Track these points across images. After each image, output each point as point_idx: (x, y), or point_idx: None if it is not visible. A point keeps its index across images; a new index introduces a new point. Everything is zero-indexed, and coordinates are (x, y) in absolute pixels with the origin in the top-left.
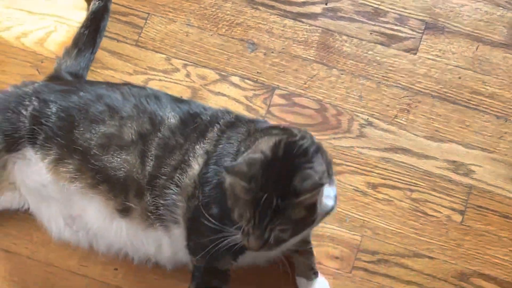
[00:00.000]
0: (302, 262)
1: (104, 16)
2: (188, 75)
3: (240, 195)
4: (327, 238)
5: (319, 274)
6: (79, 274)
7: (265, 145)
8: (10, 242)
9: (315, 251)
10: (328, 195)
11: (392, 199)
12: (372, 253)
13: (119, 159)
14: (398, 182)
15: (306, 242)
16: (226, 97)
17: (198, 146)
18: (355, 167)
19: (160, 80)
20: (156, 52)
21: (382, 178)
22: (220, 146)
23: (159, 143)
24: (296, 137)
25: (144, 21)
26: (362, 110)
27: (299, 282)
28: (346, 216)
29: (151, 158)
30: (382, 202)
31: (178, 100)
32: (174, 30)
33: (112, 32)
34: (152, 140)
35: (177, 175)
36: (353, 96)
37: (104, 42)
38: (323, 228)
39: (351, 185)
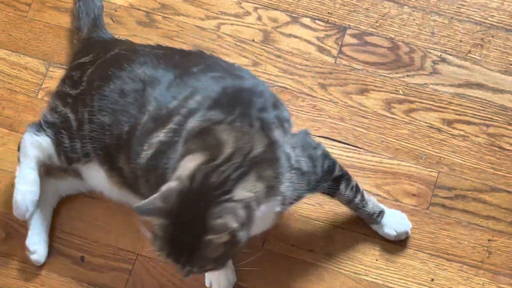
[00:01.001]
0: (359, 216)
1: None
2: (259, 18)
3: (155, 230)
4: (403, 175)
5: (386, 209)
6: None
7: (183, 170)
8: None
9: (391, 188)
10: (274, 208)
11: (467, 134)
12: (449, 189)
13: None
14: (474, 117)
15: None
16: (298, 39)
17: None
18: (429, 104)
19: (232, 24)
20: None
21: (457, 114)
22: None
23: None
24: (218, 160)
25: None
26: (435, 46)
27: (373, 229)
28: (422, 154)
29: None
30: (457, 138)
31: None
32: None
33: None
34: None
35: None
36: (425, 33)
37: None
38: (399, 166)
39: (425, 123)
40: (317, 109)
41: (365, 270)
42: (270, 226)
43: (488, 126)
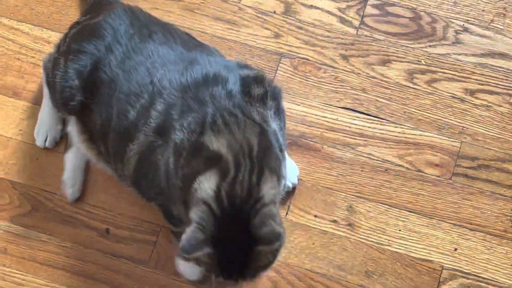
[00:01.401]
0: None
1: None
2: None
3: (202, 260)
4: (426, 146)
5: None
6: None
7: (205, 193)
8: None
9: (414, 159)
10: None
11: (490, 104)
12: (472, 159)
13: None
14: (496, 87)
15: None
16: (319, 10)
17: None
18: (452, 74)
19: None
20: None
21: (480, 84)
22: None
23: None
24: (231, 172)
25: None
26: (457, 16)
27: None
28: (445, 124)
29: None
30: (480, 108)
31: None
32: None
33: None
34: None
35: None
36: (447, 2)
37: None
38: (421, 136)
39: (448, 93)
40: (339, 80)
41: (388, 240)
42: None
43: (511, 95)
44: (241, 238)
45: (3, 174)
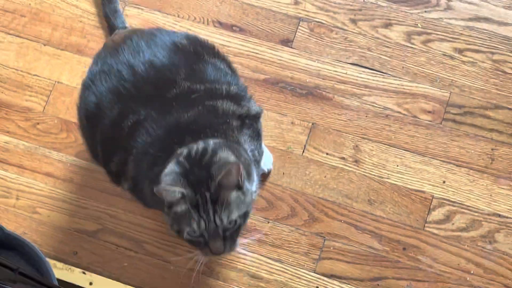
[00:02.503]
0: None
1: None
2: None
3: (178, 210)
4: (420, 96)
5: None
6: None
7: (169, 169)
8: None
9: (410, 107)
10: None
11: (476, 61)
12: (459, 107)
13: None
14: (481, 46)
15: None
16: None
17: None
18: (444, 36)
19: None
20: None
21: (467, 44)
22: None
23: None
24: (185, 151)
25: None
26: None
27: None
28: (437, 77)
29: None
30: (467, 64)
31: None
32: None
33: None
34: None
35: None
36: None
37: None
38: (417, 88)
39: (440, 51)
40: (348, 40)
41: (388, 174)
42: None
43: (493, 53)
44: (206, 181)
45: (69, 117)
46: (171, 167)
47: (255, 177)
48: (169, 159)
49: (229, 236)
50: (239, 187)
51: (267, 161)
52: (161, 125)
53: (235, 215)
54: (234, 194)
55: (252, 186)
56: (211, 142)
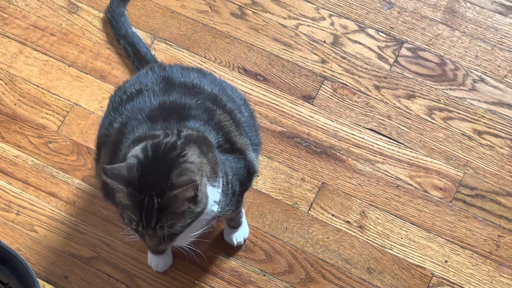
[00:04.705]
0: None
1: None
2: (332, 24)
3: (123, 201)
4: (434, 171)
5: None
6: None
7: (135, 151)
8: None
9: (422, 181)
10: (213, 200)
11: (494, 145)
12: (471, 189)
13: None
14: (501, 132)
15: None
16: (362, 45)
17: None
18: (465, 115)
19: (308, 25)
20: (308, 2)
21: (487, 127)
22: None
23: None
24: (159, 138)
25: None
26: (477, 68)
27: (225, 232)
28: (453, 155)
29: None
30: (484, 147)
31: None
32: None
33: None
34: None
35: None
36: (470, 55)
37: None
38: (431, 163)
39: (459, 130)
40: (369, 106)
41: (391, 244)
42: (208, 227)
43: None
44: (161, 185)
45: (82, 141)
46: (137, 151)
47: (220, 180)
48: (144, 137)
49: (168, 237)
50: (194, 201)
51: (241, 234)
52: (157, 99)
53: (177, 226)
54: (185, 206)
55: (216, 190)
56: (184, 133)
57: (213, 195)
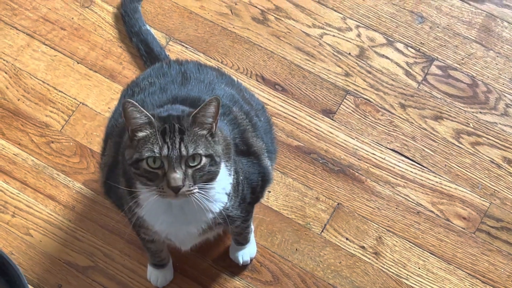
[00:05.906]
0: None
1: None
2: (359, 35)
3: (142, 135)
4: (458, 199)
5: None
6: None
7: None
8: None
9: (445, 208)
10: (223, 189)
11: None
12: (497, 220)
13: None
14: None
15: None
16: (389, 60)
17: None
18: (495, 142)
19: (333, 36)
20: (335, 11)
21: None
22: None
23: None
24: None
25: None
26: (511, 91)
27: (231, 250)
28: (479, 184)
29: None
30: None
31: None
32: None
33: None
34: None
35: None
36: (504, 77)
37: None
38: (456, 190)
39: (488, 157)
40: (393, 125)
41: (407, 274)
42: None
43: None
44: (179, 115)
45: (86, 142)
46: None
47: (232, 169)
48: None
49: (191, 174)
50: (211, 133)
51: (248, 252)
52: (171, 92)
53: (201, 149)
54: (204, 132)
55: (228, 174)
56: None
57: (225, 179)
